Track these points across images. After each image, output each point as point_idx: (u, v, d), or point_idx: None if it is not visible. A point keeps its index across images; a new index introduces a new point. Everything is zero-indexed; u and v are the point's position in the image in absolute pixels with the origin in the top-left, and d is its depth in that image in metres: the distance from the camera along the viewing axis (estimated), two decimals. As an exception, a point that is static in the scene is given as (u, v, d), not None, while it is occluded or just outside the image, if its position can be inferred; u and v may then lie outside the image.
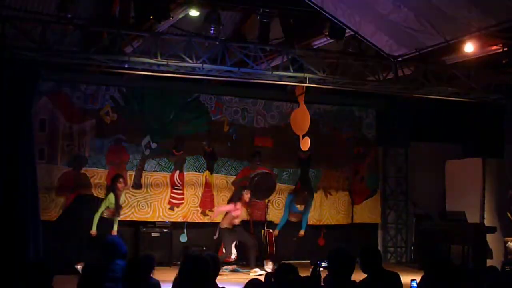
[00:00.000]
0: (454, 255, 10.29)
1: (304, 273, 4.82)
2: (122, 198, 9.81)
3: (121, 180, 9.65)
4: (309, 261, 10.49)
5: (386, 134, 12.52)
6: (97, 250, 8.52)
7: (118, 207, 9.50)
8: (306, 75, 9.14)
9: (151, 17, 7.88)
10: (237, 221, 10.25)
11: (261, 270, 9.97)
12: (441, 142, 12.47)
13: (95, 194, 10.31)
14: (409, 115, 12.41)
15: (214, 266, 4.61)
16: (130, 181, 10.56)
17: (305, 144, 10.18)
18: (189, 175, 11.07)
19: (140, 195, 10.60)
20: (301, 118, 10.37)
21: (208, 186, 11.20)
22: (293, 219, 10.92)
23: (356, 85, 9.73)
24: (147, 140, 10.82)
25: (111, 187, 9.63)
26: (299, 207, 10.90)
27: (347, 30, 8.42)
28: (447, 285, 4.29)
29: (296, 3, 8.33)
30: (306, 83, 9.27)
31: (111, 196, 9.49)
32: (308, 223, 11.00)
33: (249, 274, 9.77)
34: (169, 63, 8.51)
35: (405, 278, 5.05)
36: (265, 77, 9.29)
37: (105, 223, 9.36)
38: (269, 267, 10.14)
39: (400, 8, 7.54)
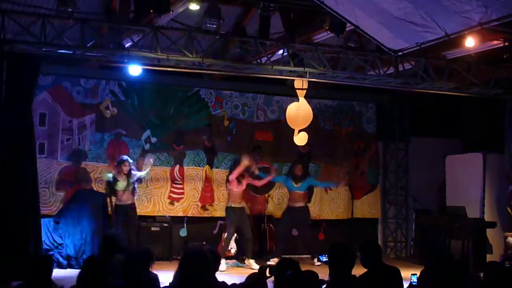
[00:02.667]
0: (454, 250, 10.29)
1: (304, 268, 4.81)
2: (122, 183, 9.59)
3: (126, 163, 9.57)
4: (309, 256, 10.52)
5: (386, 128, 12.54)
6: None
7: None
8: (307, 69, 9.13)
9: (151, 11, 7.86)
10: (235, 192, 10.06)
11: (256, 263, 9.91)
12: (441, 137, 12.47)
13: (95, 189, 10.32)
14: (410, 109, 12.43)
15: (213, 260, 4.60)
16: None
17: (301, 139, 9.90)
18: (189, 170, 11.07)
19: (140, 190, 10.54)
20: (301, 113, 10.24)
21: (208, 180, 11.20)
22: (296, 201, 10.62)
23: (356, 80, 9.71)
24: (147, 135, 10.81)
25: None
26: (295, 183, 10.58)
27: (348, 25, 8.39)
28: (447, 279, 4.27)
29: (296, -3, 8.31)
30: (306, 77, 9.26)
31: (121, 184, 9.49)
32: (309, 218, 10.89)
33: (245, 262, 9.89)
34: (169, 58, 8.50)
35: (405, 273, 5.06)
36: (265, 72, 9.27)
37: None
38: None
39: (400, 2, 7.51)
